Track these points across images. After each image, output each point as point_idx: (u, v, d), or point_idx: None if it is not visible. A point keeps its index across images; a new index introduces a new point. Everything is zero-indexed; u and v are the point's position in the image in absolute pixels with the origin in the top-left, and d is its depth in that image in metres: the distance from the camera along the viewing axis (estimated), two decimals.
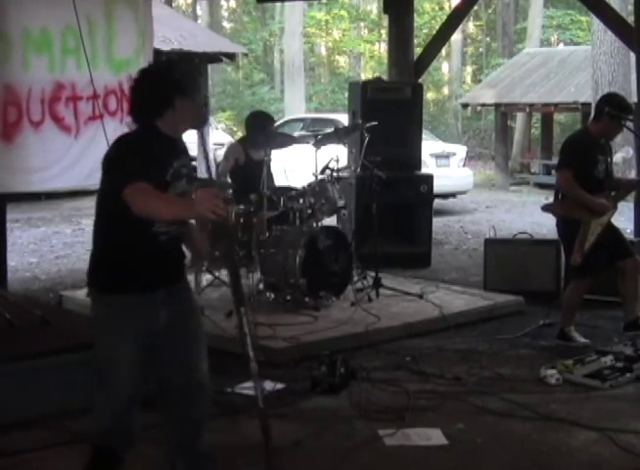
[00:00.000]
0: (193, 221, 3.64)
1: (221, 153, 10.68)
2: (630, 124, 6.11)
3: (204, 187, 3.34)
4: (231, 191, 7.90)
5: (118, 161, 3.32)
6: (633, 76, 12.75)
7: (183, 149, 3.49)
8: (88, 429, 3.58)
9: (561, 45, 31.28)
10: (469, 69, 37.91)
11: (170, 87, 3.35)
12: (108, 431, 3.47)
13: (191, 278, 6.98)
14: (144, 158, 3.26)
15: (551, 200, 6.54)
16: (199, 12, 35.39)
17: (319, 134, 8.40)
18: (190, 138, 15.61)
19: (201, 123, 3.50)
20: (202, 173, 13.02)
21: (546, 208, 6.29)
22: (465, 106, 23.51)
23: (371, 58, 36.22)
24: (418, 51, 11.06)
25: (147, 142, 3.34)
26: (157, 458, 3.83)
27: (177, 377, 3.53)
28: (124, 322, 3.42)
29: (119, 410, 3.46)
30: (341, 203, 7.11)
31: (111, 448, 3.53)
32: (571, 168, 5.87)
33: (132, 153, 3.30)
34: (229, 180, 7.78)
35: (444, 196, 14.49)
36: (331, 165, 7.21)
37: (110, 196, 3.32)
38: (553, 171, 18.33)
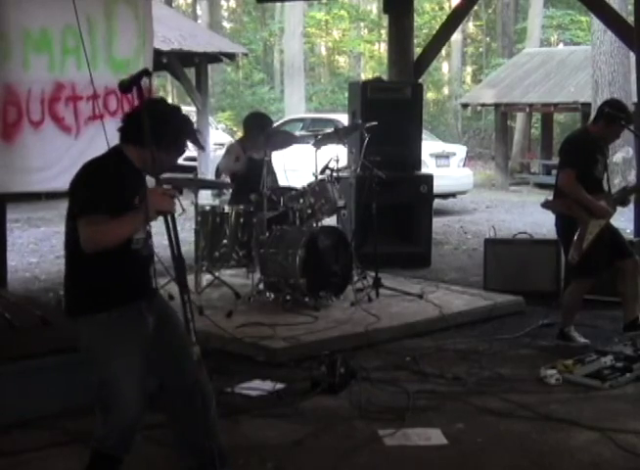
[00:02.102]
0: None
1: (221, 153, 10.66)
2: (630, 125, 6.12)
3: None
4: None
5: (79, 187, 3.37)
6: (633, 76, 12.72)
7: (145, 178, 3.50)
8: (88, 430, 3.58)
9: (561, 45, 31.29)
10: (469, 69, 37.91)
11: (159, 133, 3.31)
12: (118, 443, 3.46)
13: (191, 278, 7.00)
14: (106, 186, 3.30)
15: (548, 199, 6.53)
16: (199, 12, 35.41)
17: (319, 134, 8.39)
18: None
19: (152, 175, 3.45)
20: (202, 174, 13.05)
21: (546, 205, 6.28)
22: (465, 106, 23.52)
23: (371, 58, 36.23)
24: (418, 51, 11.06)
25: (115, 170, 3.38)
26: (157, 458, 3.83)
27: (175, 378, 3.54)
28: (117, 337, 3.40)
29: (130, 425, 3.43)
30: (341, 203, 7.10)
31: (112, 453, 3.53)
32: (573, 168, 5.87)
33: (94, 181, 3.35)
34: (228, 180, 7.79)
35: (444, 196, 14.49)
36: (331, 165, 7.21)
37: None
38: (553, 171, 18.32)
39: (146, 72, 3.33)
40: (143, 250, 3.45)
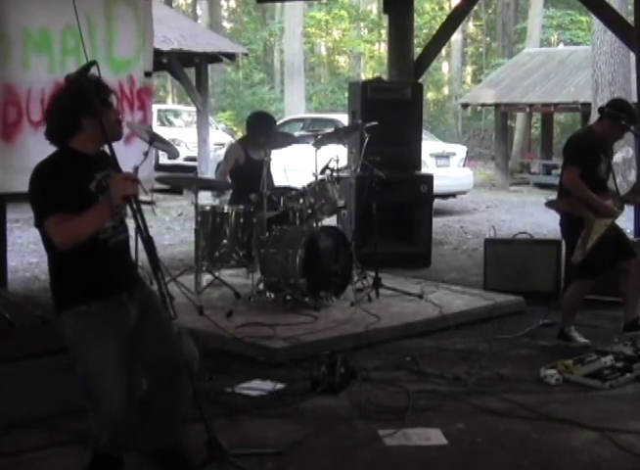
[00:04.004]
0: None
1: (221, 153, 10.64)
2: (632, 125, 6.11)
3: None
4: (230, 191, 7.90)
5: (34, 194, 3.44)
6: (633, 76, 12.73)
7: (104, 162, 3.52)
8: (88, 430, 3.58)
9: (561, 45, 31.30)
10: (469, 69, 37.93)
11: (76, 110, 3.42)
12: (110, 440, 3.47)
13: (191, 278, 7.00)
14: (58, 184, 3.37)
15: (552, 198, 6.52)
16: (199, 12, 35.43)
17: (319, 134, 8.39)
18: (190, 138, 15.72)
19: (114, 139, 3.53)
20: (201, 173, 13.05)
21: (550, 204, 6.26)
22: (465, 106, 23.54)
23: (371, 58, 36.24)
24: (418, 51, 11.06)
25: (61, 165, 3.45)
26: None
27: (160, 363, 3.57)
28: (98, 330, 3.44)
29: (119, 418, 3.43)
30: (341, 203, 7.10)
31: (108, 452, 3.53)
32: (578, 166, 5.86)
33: (46, 183, 3.41)
34: (229, 180, 7.79)
35: (444, 196, 14.49)
36: (331, 165, 7.21)
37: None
38: (553, 171, 18.41)
39: (92, 64, 3.39)
40: (112, 238, 3.50)
